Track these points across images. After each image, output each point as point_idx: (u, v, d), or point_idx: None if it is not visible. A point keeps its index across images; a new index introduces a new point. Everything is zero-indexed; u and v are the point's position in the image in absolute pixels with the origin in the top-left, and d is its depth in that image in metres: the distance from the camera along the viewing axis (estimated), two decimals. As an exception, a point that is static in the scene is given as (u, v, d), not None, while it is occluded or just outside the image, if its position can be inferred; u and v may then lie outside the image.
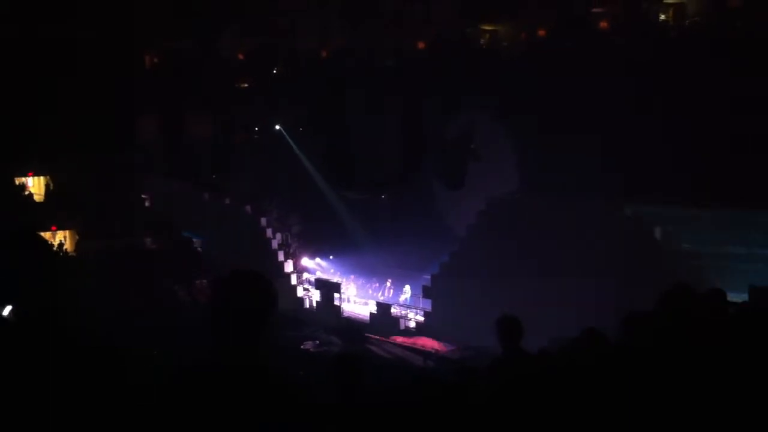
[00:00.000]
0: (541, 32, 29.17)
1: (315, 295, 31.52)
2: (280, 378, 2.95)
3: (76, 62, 32.52)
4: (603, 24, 27.69)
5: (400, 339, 26.80)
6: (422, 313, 27.65)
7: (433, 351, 25.22)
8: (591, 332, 5.22)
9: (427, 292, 29.04)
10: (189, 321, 21.17)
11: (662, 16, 27.01)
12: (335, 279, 31.94)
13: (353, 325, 28.43)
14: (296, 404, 2.92)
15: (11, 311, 2.72)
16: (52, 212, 33.66)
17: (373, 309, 29.07)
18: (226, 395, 2.81)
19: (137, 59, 38.80)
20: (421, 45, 33.40)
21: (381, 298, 29.93)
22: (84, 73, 32.48)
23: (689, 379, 4.04)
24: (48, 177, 36.57)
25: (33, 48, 32.12)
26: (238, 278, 3.05)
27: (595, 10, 27.88)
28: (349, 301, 30.43)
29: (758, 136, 20.80)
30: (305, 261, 33.92)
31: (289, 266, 33.52)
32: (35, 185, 36.92)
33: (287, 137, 36.92)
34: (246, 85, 39.03)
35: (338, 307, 30.09)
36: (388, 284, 30.46)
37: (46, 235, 32.15)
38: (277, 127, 37.39)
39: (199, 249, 34.54)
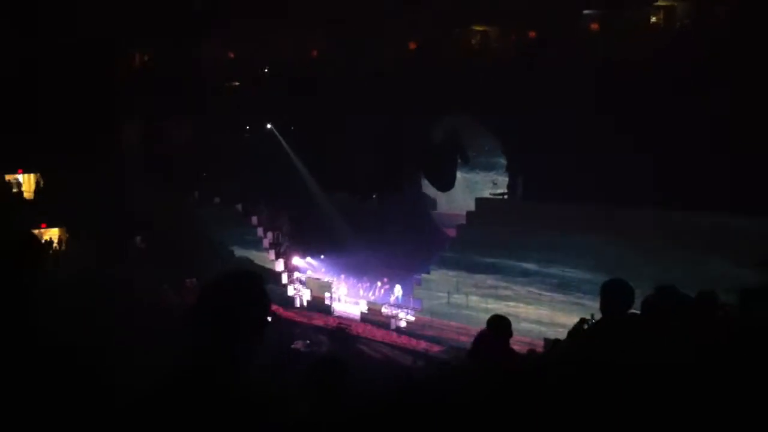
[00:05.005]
0: (532, 34, 29.20)
1: (305, 295, 31.52)
2: (261, 385, 2.91)
3: (65, 62, 32.40)
4: (593, 26, 27.76)
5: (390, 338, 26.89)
6: (413, 312, 27.69)
7: (423, 351, 25.26)
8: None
9: (417, 292, 29.15)
10: (177, 322, 21.08)
11: (653, 19, 27.11)
12: (326, 278, 31.94)
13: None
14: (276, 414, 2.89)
15: None
16: (41, 210, 33.55)
17: (364, 309, 29.11)
18: (209, 400, 2.77)
19: (126, 59, 38.69)
20: (412, 46, 33.41)
21: (372, 298, 29.95)
22: (72, 74, 32.36)
23: (678, 382, 4.06)
24: (38, 175, 36.45)
25: (23, 49, 31.99)
26: (229, 279, 2.98)
27: (585, 11, 27.93)
28: (339, 300, 30.43)
29: (750, 139, 20.87)
30: (296, 260, 33.90)
31: (280, 265, 33.50)
32: (25, 183, 36.80)
33: (279, 137, 36.88)
34: (237, 84, 38.94)
35: (329, 307, 30.15)
36: (379, 284, 30.48)
37: (35, 232, 32.01)
38: (269, 126, 37.34)
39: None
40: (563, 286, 25.38)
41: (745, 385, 3.94)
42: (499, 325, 6.12)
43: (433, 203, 34.30)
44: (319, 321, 29.25)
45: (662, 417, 3.92)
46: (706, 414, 3.88)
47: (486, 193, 31.16)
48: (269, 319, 2.95)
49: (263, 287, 3.02)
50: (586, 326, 5.48)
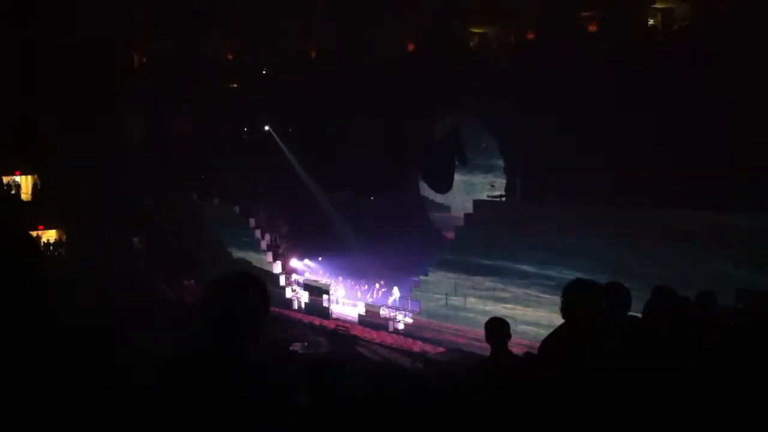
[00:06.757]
0: (531, 35, 29.22)
1: (303, 297, 31.47)
2: (265, 381, 2.92)
3: (63, 62, 32.34)
4: (591, 27, 27.77)
5: (389, 340, 26.85)
6: (411, 314, 27.66)
7: (421, 352, 25.20)
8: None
9: (415, 294, 29.12)
10: (174, 321, 21.02)
11: (651, 21, 27.13)
12: (324, 280, 31.88)
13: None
14: (280, 408, 2.89)
15: None
16: (39, 211, 33.52)
17: (362, 311, 29.07)
18: (209, 399, 2.77)
19: (124, 58, 38.62)
20: (410, 46, 33.40)
21: (370, 300, 29.91)
22: (70, 73, 32.30)
23: (680, 383, 4.04)
24: (35, 176, 36.41)
25: (19, 48, 31.92)
26: (233, 280, 3.00)
27: (584, 13, 27.94)
28: (337, 302, 30.38)
29: (748, 139, 20.89)
30: (294, 262, 33.85)
31: (278, 267, 33.45)
32: (23, 184, 36.74)
33: (276, 138, 36.85)
34: (235, 85, 38.92)
35: (327, 309, 30.10)
36: (377, 286, 30.43)
37: (33, 234, 31.98)
38: (267, 127, 37.31)
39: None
40: (561, 287, 25.33)
41: (745, 389, 3.92)
42: (498, 328, 6.09)
43: (439, 206, 34.26)
44: (317, 323, 29.21)
45: (661, 421, 3.91)
46: (706, 418, 3.86)
47: (484, 195, 31.16)
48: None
49: (266, 290, 3.04)
50: None
